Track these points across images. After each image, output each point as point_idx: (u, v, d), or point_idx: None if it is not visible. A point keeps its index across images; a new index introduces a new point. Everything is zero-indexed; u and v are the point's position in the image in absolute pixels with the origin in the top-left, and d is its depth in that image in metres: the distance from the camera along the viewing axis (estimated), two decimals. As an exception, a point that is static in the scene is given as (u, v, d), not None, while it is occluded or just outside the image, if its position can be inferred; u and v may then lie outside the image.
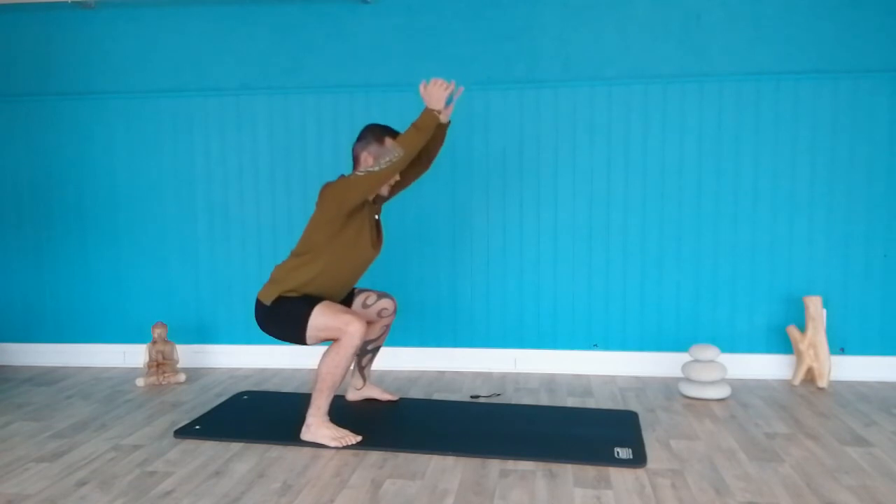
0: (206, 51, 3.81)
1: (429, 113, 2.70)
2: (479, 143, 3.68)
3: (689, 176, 3.56)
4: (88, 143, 3.91)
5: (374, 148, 2.78)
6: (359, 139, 2.83)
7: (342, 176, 2.81)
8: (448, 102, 2.77)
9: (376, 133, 2.80)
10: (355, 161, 2.84)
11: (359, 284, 3.10)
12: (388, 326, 3.10)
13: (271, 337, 2.83)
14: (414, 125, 2.69)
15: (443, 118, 2.77)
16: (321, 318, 2.65)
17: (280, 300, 2.73)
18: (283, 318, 2.73)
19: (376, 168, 2.66)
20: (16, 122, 3.95)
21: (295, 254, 2.81)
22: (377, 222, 2.93)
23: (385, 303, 3.04)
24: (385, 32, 3.70)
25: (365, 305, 3.02)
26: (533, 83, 3.62)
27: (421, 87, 2.72)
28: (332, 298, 2.80)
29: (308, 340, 2.70)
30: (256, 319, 2.81)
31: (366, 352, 3.15)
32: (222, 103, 3.82)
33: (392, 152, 2.67)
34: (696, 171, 3.55)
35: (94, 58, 3.87)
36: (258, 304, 2.79)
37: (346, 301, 3.00)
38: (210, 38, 3.80)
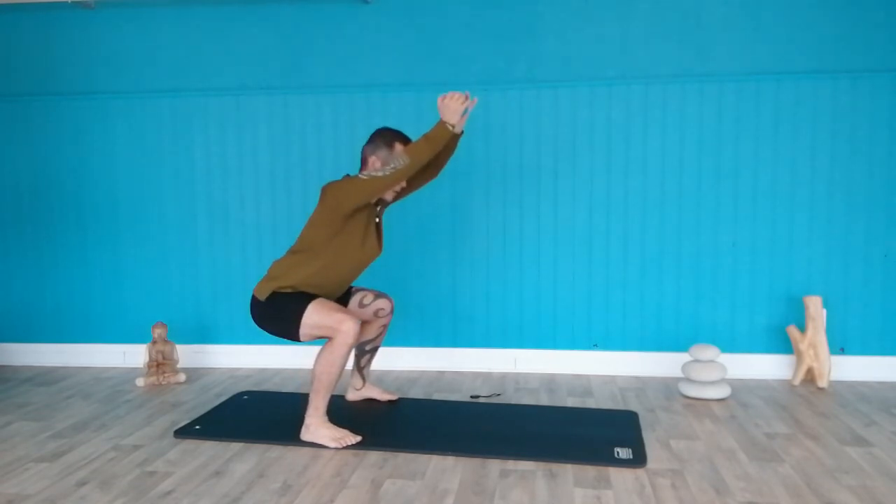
0: (206, 51, 3.81)
1: (442, 125, 2.64)
2: (479, 143, 3.68)
3: (689, 176, 3.56)
4: (88, 143, 3.91)
5: (383, 152, 2.76)
6: (369, 141, 2.82)
7: (347, 176, 2.80)
8: (463, 114, 2.72)
9: (387, 137, 2.79)
10: (363, 162, 2.83)
11: (357, 283, 3.10)
12: (385, 326, 3.10)
13: (266, 333, 2.83)
14: (426, 136, 2.65)
15: (457, 129, 2.70)
16: (315, 315, 2.65)
17: (275, 296, 2.72)
18: (278, 314, 2.72)
19: (381, 174, 2.64)
20: (16, 122, 3.95)
21: (293, 251, 2.81)
22: (378, 224, 2.92)
23: (382, 303, 3.04)
24: (385, 32, 3.70)
25: (362, 305, 3.02)
26: (533, 83, 3.62)
27: (438, 100, 2.65)
28: (327, 296, 2.80)
29: (301, 337, 2.70)
30: (252, 315, 2.81)
31: (364, 352, 3.14)
32: (222, 103, 3.82)
33: (399, 160, 2.64)
34: (696, 171, 3.55)
35: (94, 58, 3.87)
36: (253, 299, 2.79)
37: (343, 299, 2.99)
38: (210, 38, 3.80)
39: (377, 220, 2.90)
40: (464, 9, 3.64)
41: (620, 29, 3.55)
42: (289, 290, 2.73)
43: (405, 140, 2.79)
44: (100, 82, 3.88)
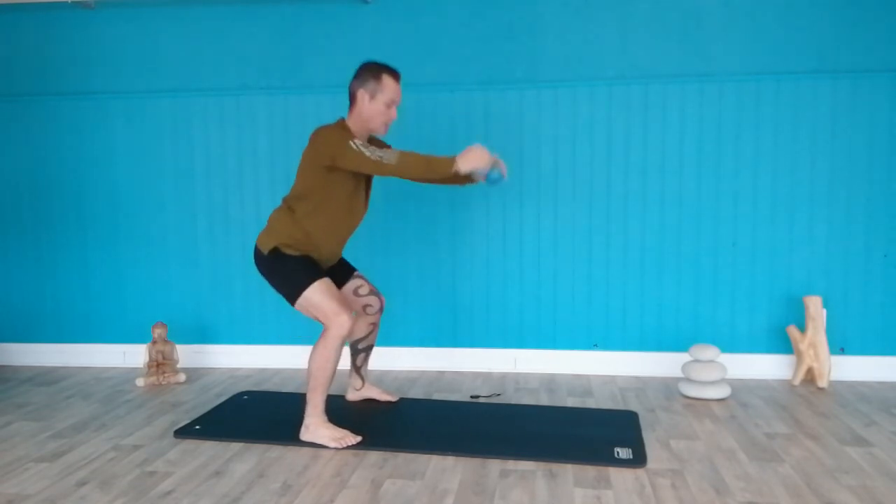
0: (206, 51, 3.81)
1: (449, 162, 2.61)
2: (479, 143, 3.67)
3: (689, 176, 3.56)
4: (88, 143, 3.91)
5: (371, 85, 2.72)
6: (356, 76, 2.76)
7: (341, 120, 2.78)
8: (490, 181, 2.66)
9: (374, 70, 2.74)
10: (351, 98, 2.77)
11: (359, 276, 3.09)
12: (375, 325, 3.09)
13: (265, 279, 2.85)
14: (428, 158, 2.62)
15: (461, 171, 2.62)
16: (316, 295, 2.67)
17: (279, 254, 2.73)
18: (282, 275, 2.74)
19: (367, 153, 2.60)
20: (15, 122, 3.95)
21: (287, 200, 2.80)
22: (368, 178, 2.88)
23: (371, 299, 3.04)
24: (385, 32, 3.70)
25: (357, 293, 3.02)
26: (533, 83, 3.62)
27: (472, 146, 2.63)
28: (325, 252, 2.81)
29: (296, 306, 2.73)
30: (255, 263, 2.82)
31: (357, 351, 3.14)
32: (222, 103, 3.82)
33: (391, 157, 2.60)
34: (696, 171, 3.55)
35: (94, 58, 3.87)
36: (256, 250, 2.80)
37: (342, 276, 2.98)
38: (210, 38, 3.80)
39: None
40: (464, 9, 3.64)
41: (620, 29, 3.55)
42: (292, 252, 2.73)
43: (392, 72, 2.75)
44: (100, 82, 3.88)
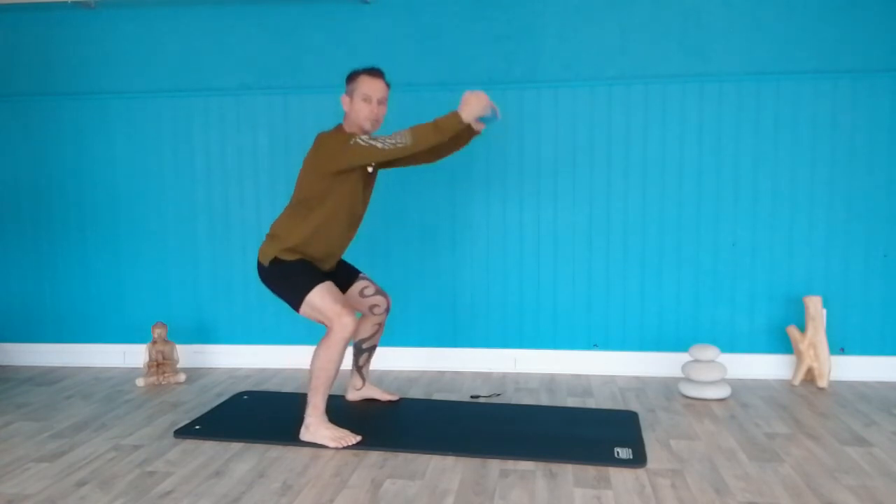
0: (206, 51, 3.81)
1: (454, 116, 2.63)
2: (479, 143, 3.66)
3: (689, 176, 3.56)
4: (88, 143, 3.91)
5: (350, 87, 2.79)
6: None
7: (340, 127, 2.80)
8: (485, 120, 2.69)
9: (351, 74, 2.81)
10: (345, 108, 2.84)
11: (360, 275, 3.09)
12: (381, 325, 3.10)
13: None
14: (435, 123, 2.65)
15: (466, 121, 2.66)
16: (319, 299, 2.68)
17: (280, 264, 2.74)
18: (285, 282, 2.76)
19: (379, 145, 2.63)
20: (16, 122, 3.95)
21: (289, 206, 2.84)
22: (371, 175, 2.89)
23: (378, 299, 3.04)
24: (385, 32, 3.70)
25: (362, 294, 3.02)
26: (533, 83, 3.62)
27: (465, 94, 2.64)
28: (328, 257, 2.83)
29: (301, 312, 2.74)
30: (259, 275, 2.84)
31: (361, 351, 3.14)
32: (222, 103, 3.82)
33: (403, 137, 2.61)
34: (696, 171, 3.55)
35: (95, 58, 3.87)
36: (258, 264, 2.82)
37: (346, 279, 2.99)
38: (210, 38, 3.80)
39: (369, 169, 2.87)
40: (464, 9, 3.64)
41: (620, 29, 3.55)
42: (291, 259, 2.74)
43: (369, 70, 2.78)
44: (100, 82, 3.88)
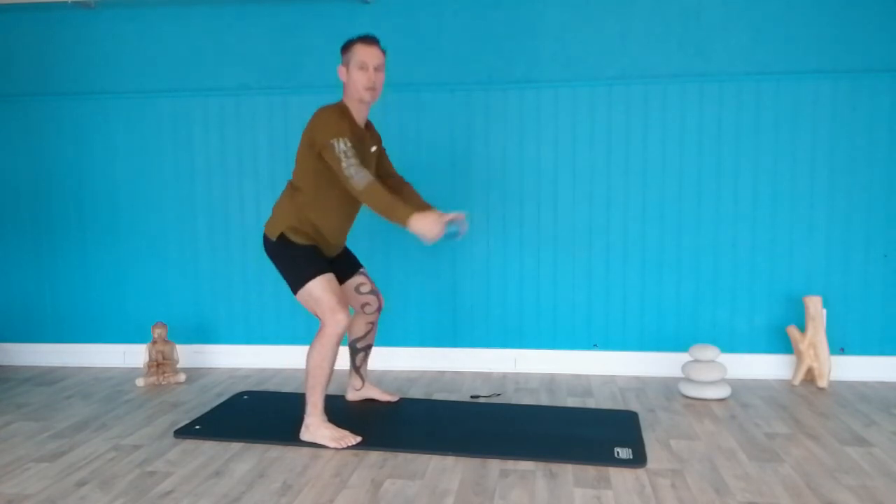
0: (206, 51, 3.81)
1: (405, 217, 2.54)
2: (479, 143, 3.68)
3: (689, 176, 3.56)
4: (88, 143, 3.91)
5: (345, 58, 2.78)
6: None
7: (341, 101, 2.79)
8: (447, 235, 2.62)
9: (345, 44, 2.79)
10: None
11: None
12: (373, 324, 3.10)
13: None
14: (390, 202, 2.56)
15: (410, 229, 2.57)
16: (318, 289, 2.69)
17: (288, 242, 2.75)
18: (289, 262, 2.77)
19: (343, 163, 2.58)
20: (16, 122, 3.95)
21: (289, 188, 2.83)
22: (372, 155, 2.86)
23: (370, 298, 3.04)
24: (385, 32, 3.67)
25: (358, 290, 3.02)
26: (533, 83, 3.62)
27: (427, 220, 2.55)
28: (331, 241, 2.83)
29: (297, 296, 2.75)
30: (264, 249, 2.85)
31: (357, 350, 3.14)
32: (222, 103, 3.82)
33: (362, 177, 2.57)
34: (696, 171, 3.55)
35: (94, 58, 3.87)
36: (265, 237, 2.84)
37: (349, 269, 2.99)
38: (210, 38, 3.80)
39: (373, 149, 2.86)
40: (464, 9, 3.63)
41: (620, 29, 3.55)
42: (301, 242, 2.75)
43: (363, 38, 2.75)
44: (100, 82, 3.88)
